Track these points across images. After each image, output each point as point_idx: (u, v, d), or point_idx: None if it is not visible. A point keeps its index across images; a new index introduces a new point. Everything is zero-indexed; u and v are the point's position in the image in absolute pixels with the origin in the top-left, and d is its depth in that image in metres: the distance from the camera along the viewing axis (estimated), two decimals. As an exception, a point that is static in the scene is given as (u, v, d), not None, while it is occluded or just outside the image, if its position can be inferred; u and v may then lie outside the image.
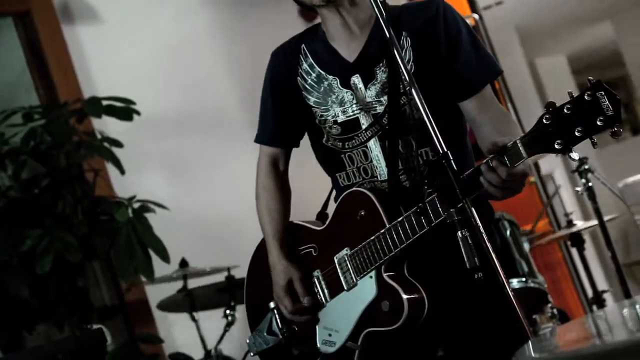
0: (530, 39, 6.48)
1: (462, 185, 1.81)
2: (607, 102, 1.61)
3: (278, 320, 2.27)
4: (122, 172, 3.25)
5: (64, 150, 3.31)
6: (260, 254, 2.33)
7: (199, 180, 4.07)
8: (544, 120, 1.71)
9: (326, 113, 2.22)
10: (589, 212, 3.37)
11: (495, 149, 1.75)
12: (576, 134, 1.66)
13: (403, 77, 1.89)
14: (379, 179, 2.18)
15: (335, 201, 2.26)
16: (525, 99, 5.53)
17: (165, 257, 3.17)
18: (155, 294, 3.51)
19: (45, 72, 3.94)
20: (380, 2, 1.90)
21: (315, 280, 2.19)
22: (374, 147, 2.18)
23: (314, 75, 2.26)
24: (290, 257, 2.25)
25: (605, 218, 3.07)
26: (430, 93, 1.89)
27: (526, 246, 3.04)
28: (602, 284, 4.36)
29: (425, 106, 1.83)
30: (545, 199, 4.10)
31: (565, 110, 1.66)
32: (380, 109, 2.16)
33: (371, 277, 2.09)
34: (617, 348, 1.14)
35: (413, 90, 1.83)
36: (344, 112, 2.22)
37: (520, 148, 1.73)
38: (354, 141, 2.21)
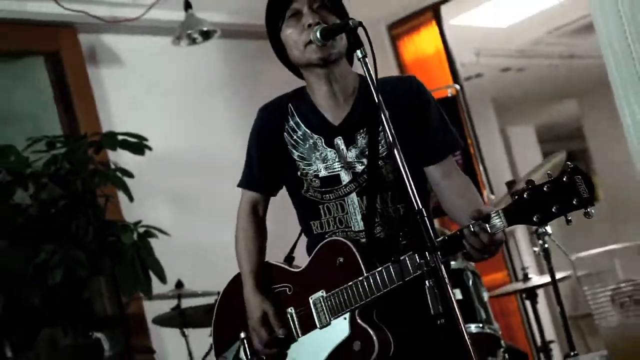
0: (503, 109, 6.46)
1: (433, 240, 1.71)
2: (584, 186, 1.60)
3: (247, 350, 2.14)
4: (131, 199, 3.20)
5: (81, 177, 3.21)
6: (233, 287, 2.23)
7: (197, 212, 4.05)
8: (525, 196, 1.67)
9: (309, 167, 2.13)
10: (544, 267, 3.28)
11: (480, 216, 1.72)
12: (553, 210, 1.63)
13: (388, 139, 1.80)
14: (353, 229, 2.09)
15: (308, 247, 2.15)
16: (495, 162, 5.47)
17: (162, 278, 3.14)
18: (152, 309, 3.44)
19: (69, 106, 3.90)
20: (368, 75, 1.81)
21: (289, 316, 2.09)
22: (352, 201, 2.09)
23: (299, 132, 2.15)
24: (265, 293, 2.14)
25: (558, 276, 3.00)
26: (404, 157, 1.81)
27: (485, 295, 2.97)
28: (550, 333, 4.26)
29: (405, 166, 1.75)
30: (506, 254, 4.02)
31: (545, 189, 1.64)
32: (360, 168, 2.07)
33: (345, 318, 1.98)
34: None
35: (395, 151, 1.75)
36: (326, 168, 2.12)
37: (502, 218, 1.69)
38: (333, 194, 2.11)
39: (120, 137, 3.17)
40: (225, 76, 4.49)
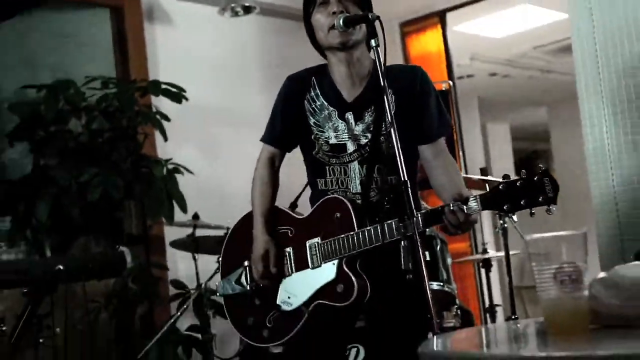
0: (486, 107, 6.87)
1: (412, 209, 1.87)
2: (550, 187, 1.71)
3: (248, 276, 2.27)
4: (165, 139, 3.38)
5: (126, 115, 3.38)
6: (244, 222, 2.37)
7: (220, 158, 4.21)
8: (500, 187, 1.79)
9: (322, 133, 2.23)
10: (501, 244, 3.53)
11: (460, 199, 1.84)
12: (522, 203, 1.74)
13: (387, 120, 1.95)
14: (351, 191, 2.18)
15: (312, 199, 2.29)
16: (473, 150, 5.92)
17: (183, 208, 3.32)
18: (170, 234, 3.63)
19: (124, 54, 4.05)
20: (378, 62, 1.97)
21: (287, 254, 2.23)
22: (354, 167, 2.19)
23: (318, 103, 2.25)
24: (271, 233, 2.26)
25: (511, 252, 3.23)
26: (401, 135, 1.96)
27: (449, 260, 3.14)
28: (497, 299, 4.55)
29: (399, 144, 1.89)
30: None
31: (517, 184, 1.74)
32: (364, 141, 2.17)
33: (334, 264, 2.12)
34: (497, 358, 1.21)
35: (392, 131, 1.89)
36: (336, 136, 2.22)
37: (478, 203, 1.82)
38: (338, 159, 2.22)
39: (163, 86, 3.34)
40: (260, 47, 4.63)
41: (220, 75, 4.22)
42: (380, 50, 1.92)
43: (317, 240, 2.14)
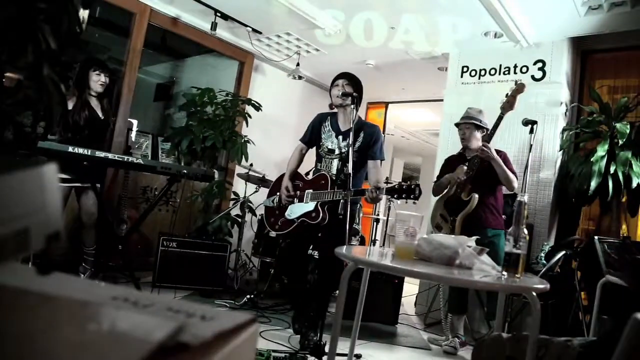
0: (397, 151, 9.03)
1: (350, 188, 2.33)
2: (417, 191, 2.28)
3: (277, 199, 2.83)
4: (247, 125, 4.52)
5: (232, 110, 4.45)
6: (280, 177, 2.89)
7: (271, 142, 5.32)
8: (396, 187, 2.29)
9: (325, 143, 2.76)
10: (386, 213, 5.02)
11: (376, 187, 2.34)
12: (403, 195, 2.25)
13: (350, 145, 2.43)
14: (331, 172, 2.68)
15: (314, 173, 2.76)
16: (384, 170, 7.67)
17: (247, 159, 4.33)
18: (238, 170, 4.65)
19: (239, 83, 5.25)
20: (354, 119, 2.47)
21: (296, 193, 2.70)
22: (335, 162, 2.68)
23: (327, 128, 2.76)
24: (292, 181, 2.76)
25: (390, 218, 4.88)
26: (361, 155, 2.59)
27: (361, 215, 4.20)
28: (379, 237, 5.79)
29: (352, 158, 2.38)
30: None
31: (403, 187, 2.27)
32: (343, 150, 2.68)
33: (315, 203, 2.61)
34: (368, 262, 1.56)
35: (351, 150, 2.43)
36: (331, 145, 2.72)
37: (384, 190, 2.31)
38: (329, 157, 2.70)
39: (252, 101, 4.57)
40: (303, 96, 5.95)
41: (281, 103, 5.65)
42: (356, 111, 2.51)
43: (311, 190, 2.64)
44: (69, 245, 3.72)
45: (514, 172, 3.12)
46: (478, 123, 3.27)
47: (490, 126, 3.11)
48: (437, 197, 3.33)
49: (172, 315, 0.34)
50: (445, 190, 3.24)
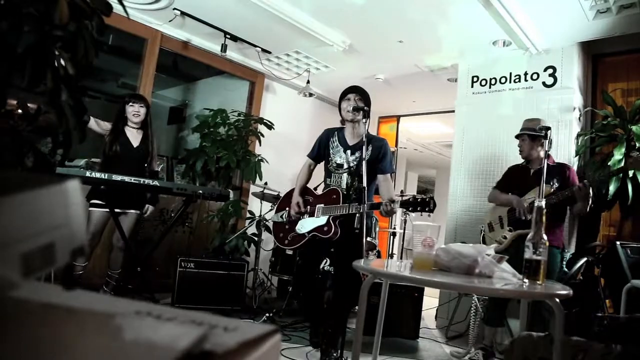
0: (410, 164, 8.98)
1: (365, 202, 2.35)
2: (432, 204, 2.21)
3: (286, 215, 2.81)
4: (260, 144, 4.63)
5: (245, 129, 4.54)
6: (290, 192, 2.87)
7: (283, 159, 5.44)
8: (410, 200, 2.22)
9: (334, 157, 2.70)
10: (402, 226, 4.92)
11: (391, 200, 2.29)
12: (417, 208, 2.18)
13: (364, 158, 2.45)
14: (342, 187, 2.62)
15: (324, 188, 2.70)
16: (399, 183, 7.52)
17: (260, 178, 4.40)
18: (252, 188, 4.82)
19: (251, 103, 5.37)
20: (365, 133, 2.50)
21: (307, 209, 2.65)
22: (345, 177, 2.62)
23: (336, 143, 2.72)
24: (302, 197, 2.72)
25: (406, 230, 4.81)
26: (370, 169, 2.53)
27: (377, 229, 4.33)
28: (396, 250, 5.77)
29: (365, 171, 2.42)
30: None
31: (418, 200, 2.20)
32: (353, 165, 2.62)
33: (326, 217, 2.54)
34: (386, 274, 1.57)
35: (364, 163, 2.47)
36: (339, 160, 2.67)
37: (399, 203, 2.25)
38: (339, 171, 2.65)
39: (264, 120, 4.66)
40: (313, 112, 6.05)
41: (293, 120, 5.78)
42: (367, 125, 2.53)
43: (322, 205, 2.59)
44: (92, 267, 3.77)
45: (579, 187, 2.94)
46: (531, 133, 3.17)
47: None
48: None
49: (196, 326, 0.34)
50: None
